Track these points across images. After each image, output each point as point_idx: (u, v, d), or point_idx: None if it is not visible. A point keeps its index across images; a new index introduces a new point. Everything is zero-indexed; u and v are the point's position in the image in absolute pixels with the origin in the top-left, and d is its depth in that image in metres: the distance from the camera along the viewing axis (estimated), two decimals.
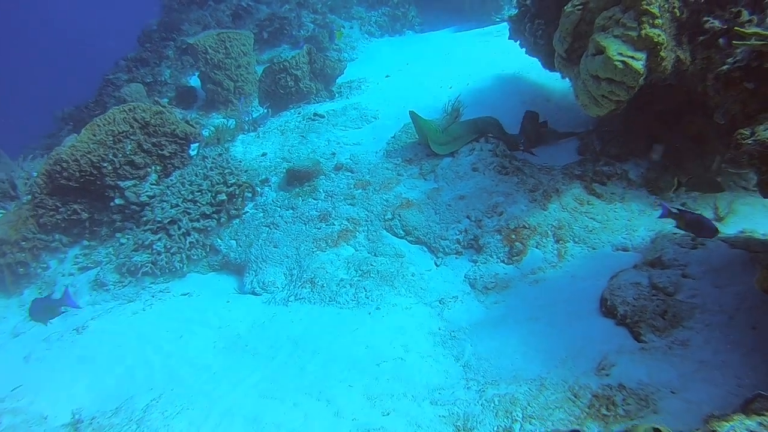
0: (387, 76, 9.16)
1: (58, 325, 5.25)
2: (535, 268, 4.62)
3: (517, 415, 3.13)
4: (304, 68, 8.41)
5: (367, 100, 8.11)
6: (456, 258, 5.00)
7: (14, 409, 4.05)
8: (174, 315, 5.14)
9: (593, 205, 5.01)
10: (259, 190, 6.45)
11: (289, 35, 12.15)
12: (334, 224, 5.59)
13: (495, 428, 3.14)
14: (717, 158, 4.57)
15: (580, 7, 4.31)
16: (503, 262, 4.75)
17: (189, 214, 5.91)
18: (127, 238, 6.10)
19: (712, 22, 3.57)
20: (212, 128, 7.95)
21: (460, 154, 5.85)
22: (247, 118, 8.31)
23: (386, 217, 5.48)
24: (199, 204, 5.99)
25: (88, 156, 6.11)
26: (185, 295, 5.48)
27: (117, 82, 11.60)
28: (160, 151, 6.58)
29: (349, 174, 6.20)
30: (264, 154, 7.06)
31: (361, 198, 5.78)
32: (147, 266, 5.65)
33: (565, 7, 4.45)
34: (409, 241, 5.30)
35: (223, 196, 6.09)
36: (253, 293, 5.34)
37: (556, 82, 6.83)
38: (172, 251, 5.74)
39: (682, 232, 3.97)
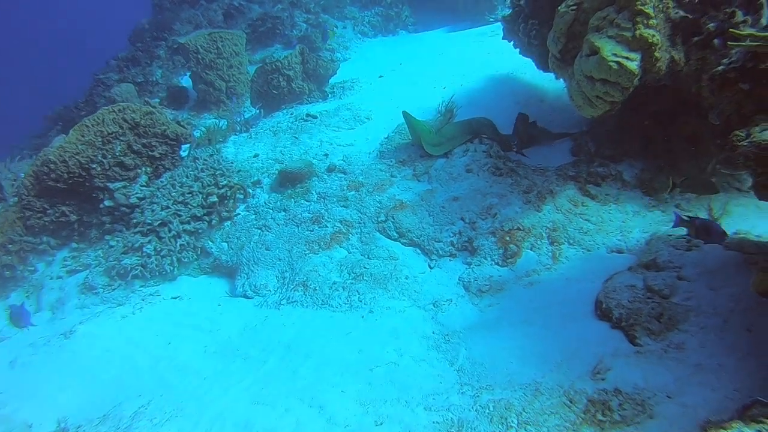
0: (380, 77, 9.10)
1: (45, 330, 5.17)
2: (529, 270, 4.58)
3: (512, 421, 3.09)
4: (296, 68, 8.35)
5: (360, 100, 8.05)
6: (450, 260, 4.96)
7: None
8: (164, 319, 5.07)
9: (588, 207, 4.98)
10: (251, 191, 6.38)
11: (281, 35, 12.07)
12: (326, 226, 5.53)
13: None
14: (713, 161, 4.55)
15: (574, 7, 4.28)
16: (497, 264, 4.71)
17: (180, 216, 5.83)
18: (117, 241, 6.00)
19: (706, 23, 3.54)
20: (204, 129, 7.86)
21: (453, 155, 5.81)
22: (239, 119, 8.23)
23: (379, 219, 5.43)
24: (189, 206, 5.91)
25: (77, 157, 6.02)
26: (176, 298, 5.41)
27: (107, 82, 11.48)
28: (150, 153, 6.49)
29: (342, 175, 6.14)
30: (256, 156, 6.99)
31: (354, 200, 5.73)
32: (137, 269, 5.56)
33: (559, 8, 4.41)
34: (402, 244, 5.25)
35: (215, 198, 6.01)
36: (245, 296, 5.27)
37: (550, 82, 6.80)
38: (162, 254, 5.65)
39: (678, 234, 3.95)
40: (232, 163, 6.80)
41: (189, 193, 5.98)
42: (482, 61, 8.56)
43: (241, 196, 6.33)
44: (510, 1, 6.45)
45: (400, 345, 4.08)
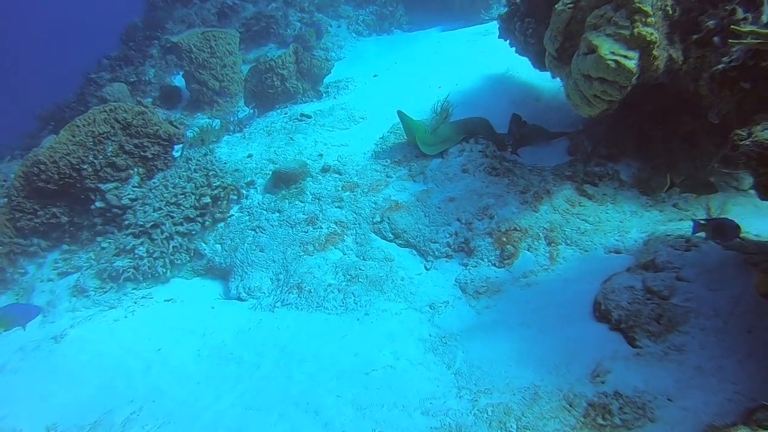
0: (375, 76, 9.03)
1: (35, 334, 5.08)
2: (526, 271, 4.53)
3: (511, 426, 3.04)
4: (290, 68, 8.27)
5: (355, 100, 7.98)
6: (446, 261, 4.90)
7: None
8: (157, 322, 4.99)
9: (585, 207, 4.94)
10: (244, 192, 6.30)
11: (275, 34, 11.98)
12: (321, 227, 5.46)
13: None
14: (712, 160, 4.52)
15: (571, 5, 4.22)
16: (494, 265, 4.66)
17: (172, 217, 5.75)
18: (109, 243, 5.91)
19: (706, 21, 3.50)
20: (197, 129, 7.78)
21: (449, 155, 5.76)
22: (232, 119, 8.14)
23: (375, 220, 5.36)
24: (182, 207, 5.83)
25: (68, 158, 5.93)
26: (168, 301, 5.33)
27: (100, 81, 11.35)
28: (142, 153, 6.40)
29: (337, 176, 6.08)
30: (250, 156, 6.91)
31: (349, 200, 5.66)
32: (129, 271, 5.47)
33: (556, 6, 4.36)
34: (398, 245, 5.19)
35: (208, 199, 5.93)
36: (239, 299, 5.19)
37: (546, 81, 6.76)
38: (154, 256, 5.57)
39: (677, 234, 3.91)
40: (225, 163, 6.72)
41: (182, 194, 5.90)
42: (478, 60, 8.51)
43: (235, 197, 6.26)
44: None
45: (396, 348, 4.02)
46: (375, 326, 4.32)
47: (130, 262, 5.50)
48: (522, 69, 7.18)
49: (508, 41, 6.49)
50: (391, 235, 5.23)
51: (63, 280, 5.82)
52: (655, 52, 3.69)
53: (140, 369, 4.35)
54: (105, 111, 6.16)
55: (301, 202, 5.85)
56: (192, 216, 5.83)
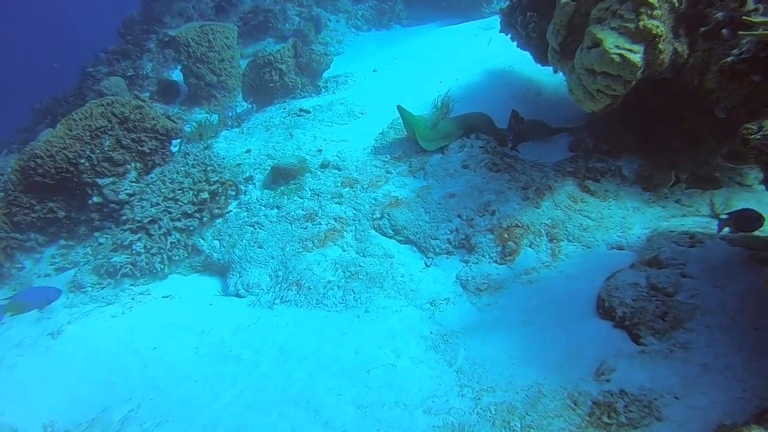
0: (374, 71, 8.95)
1: (32, 330, 5.01)
2: (528, 268, 4.48)
3: (515, 425, 3.00)
4: (289, 62, 8.19)
5: (354, 95, 7.91)
6: (447, 258, 4.85)
7: None
8: (154, 319, 4.93)
9: (587, 203, 4.89)
10: (243, 188, 6.24)
11: (274, 28, 11.90)
12: (320, 224, 5.40)
13: None
14: (717, 155, 4.47)
15: None
16: (496, 262, 4.61)
17: (170, 213, 5.68)
18: (106, 238, 5.85)
19: (714, 13, 3.43)
20: (195, 124, 7.71)
21: (450, 150, 5.69)
22: (230, 114, 8.07)
23: (375, 216, 5.31)
24: (180, 202, 5.76)
25: (64, 152, 5.85)
26: (166, 297, 5.26)
27: (97, 75, 11.26)
28: (140, 148, 6.33)
29: (336, 171, 6.01)
30: (248, 151, 6.84)
31: (348, 196, 5.60)
32: (126, 267, 5.41)
33: None
34: (398, 241, 5.13)
35: (206, 195, 5.86)
36: (237, 295, 5.14)
37: (548, 76, 6.69)
38: (152, 252, 5.50)
39: (680, 230, 3.87)
40: (223, 158, 6.65)
41: (179, 190, 5.83)
42: (478, 54, 8.43)
43: (233, 193, 6.19)
44: None
45: (397, 346, 3.97)
46: (375, 324, 4.27)
47: (128, 258, 5.44)
48: (524, 64, 7.10)
49: (509, 35, 6.41)
50: (391, 231, 5.18)
51: (60, 276, 5.75)
52: (660, 46, 3.63)
53: (138, 366, 4.30)
54: (102, 105, 6.08)
55: (300, 198, 5.79)
56: (190, 212, 5.77)
